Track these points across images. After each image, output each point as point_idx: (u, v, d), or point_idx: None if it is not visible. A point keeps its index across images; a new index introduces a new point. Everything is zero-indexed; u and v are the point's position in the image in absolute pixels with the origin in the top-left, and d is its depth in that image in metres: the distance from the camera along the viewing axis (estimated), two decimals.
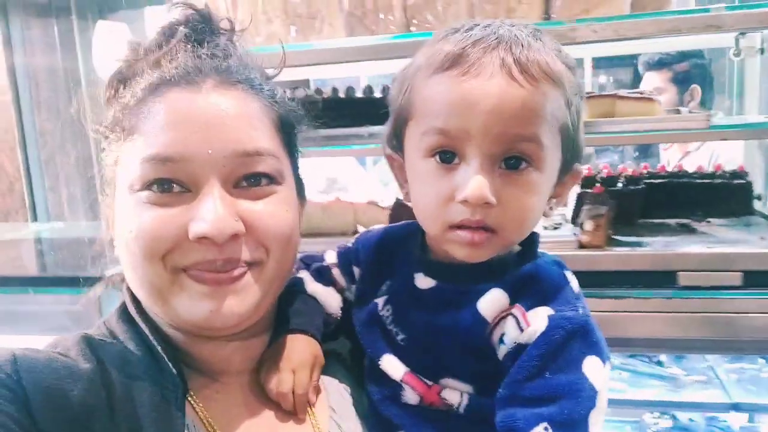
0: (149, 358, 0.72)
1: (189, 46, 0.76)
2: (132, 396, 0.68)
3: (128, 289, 0.78)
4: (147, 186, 0.69)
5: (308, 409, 0.78)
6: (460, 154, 0.68)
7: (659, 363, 1.88)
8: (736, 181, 1.61)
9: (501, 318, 0.69)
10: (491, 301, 0.70)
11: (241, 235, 0.69)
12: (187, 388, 0.72)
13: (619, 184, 1.59)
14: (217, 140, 0.69)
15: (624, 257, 1.30)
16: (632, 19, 1.23)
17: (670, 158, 2.58)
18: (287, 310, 0.82)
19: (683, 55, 2.49)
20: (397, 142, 0.77)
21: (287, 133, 0.78)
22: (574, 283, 0.72)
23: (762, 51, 1.56)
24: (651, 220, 1.56)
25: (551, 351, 0.65)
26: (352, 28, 1.42)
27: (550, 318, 0.66)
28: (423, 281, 0.76)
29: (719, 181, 1.62)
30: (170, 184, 0.69)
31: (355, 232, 1.62)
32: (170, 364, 0.71)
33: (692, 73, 2.35)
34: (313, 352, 0.80)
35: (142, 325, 0.74)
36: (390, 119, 0.78)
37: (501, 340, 0.68)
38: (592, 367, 0.65)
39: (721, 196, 1.60)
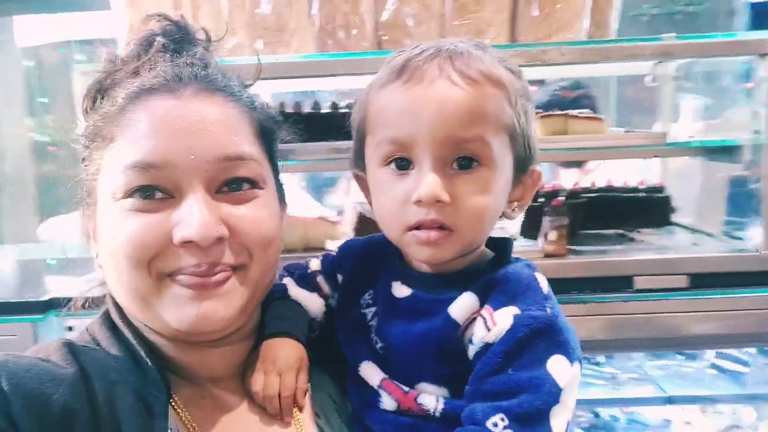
0: (132, 364, 0.73)
1: (167, 56, 0.76)
2: (115, 401, 0.68)
3: (111, 296, 0.78)
4: (130, 193, 0.69)
5: (296, 412, 0.79)
6: (413, 160, 0.71)
7: (597, 363, 2.02)
8: (656, 195, 1.79)
9: (471, 320, 0.71)
10: (462, 305, 0.72)
11: (225, 239, 0.71)
12: (170, 393, 0.72)
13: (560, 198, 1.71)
14: (200, 146, 0.70)
15: (586, 265, 1.40)
16: (597, 45, 1.35)
17: (570, 177, 2.79)
18: (272, 314, 0.83)
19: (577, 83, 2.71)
20: (360, 161, 0.80)
21: (267, 140, 0.80)
22: (543, 284, 0.74)
23: (676, 79, 1.74)
24: (590, 231, 1.69)
25: (515, 348, 0.67)
26: (323, 42, 1.42)
27: (516, 317, 0.68)
28: (399, 290, 0.78)
29: (642, 195, 1.79)
30: (153, 190, 0.69)
31: (306, 248, 1.61)
32: (154, 369, 0.72)
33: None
34: (298, 355, 0.81)
35: (126, 332, 0.75)
36: (353, 140, 0.81)
37: (470, 341, 0.71)
38: (557, 365, 0.67)
39: (645, 209, 1.77)
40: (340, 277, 0.87)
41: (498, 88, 0.70)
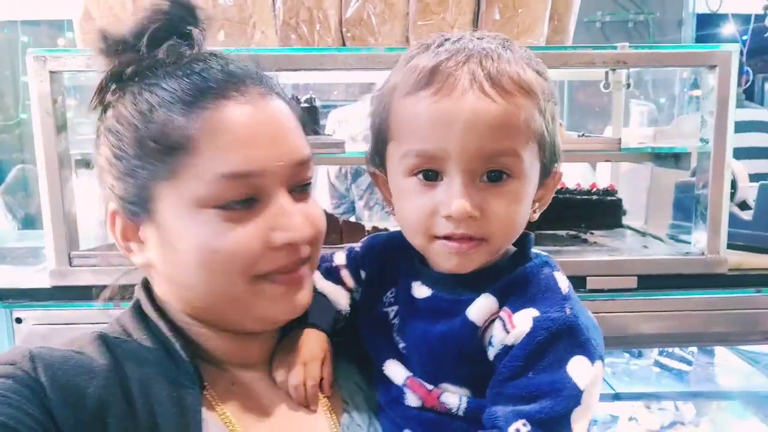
0: (164, 355, 0.73)
1: (198, 49, 0.75)
2: (149, 393, 0.69)
3: (144, 287, 0.79)
4: (224, 203, 0.69)
5: (322, 400, 0.80)
6: (442, 172, 0.70)
7: None
8: (608, 198, 1.85)
9: (490, 321, 0.72)
10: (481, 307, 0.73)
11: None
12: (203, 384, 0.73)
13: None
14: (283, 151, 0.72)
15: None
16: (556, 50, 1.38)
17: None
18: None
19: None
20: (379, 159, 0.79)
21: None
22: (563, 283, 0.74)
23: (628, 85, 1.79)
24: (545, 231, 1.73)
25: (535, 351, 0.67)
26: (287, 36, 1.40)
27: (535, 319, 0.68)
28: (419, 290, 0.78)
29: (595, 197, 1.84)
30: (250, 199, 0.70)
31: None
32: (188, 362, 0.73)
33: None
34: (322, 346, 0.82)
35: (160, 322, 0.75)
36: (371, 138, 0.80)
37: (490, 343, 0.71)
38: (577, 366, 0.67)
39: (598, 211, 1.83)
40: (363, 273, 0.87)
41: (529, 97, 0.69)
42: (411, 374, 0.77)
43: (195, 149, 0.68)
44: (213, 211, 0.69)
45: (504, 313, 0.71)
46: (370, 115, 0.79)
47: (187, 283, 0.73)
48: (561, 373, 0.67)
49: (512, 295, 0.72)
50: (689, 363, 2.02)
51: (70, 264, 1.38)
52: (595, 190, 1.86)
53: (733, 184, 1.55)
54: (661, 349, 2.04)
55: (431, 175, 0.71)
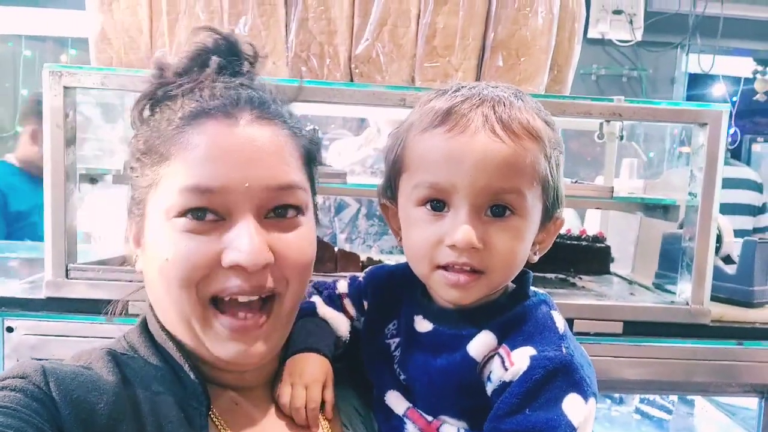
0: (171, 373, 0.74)
1: (223, 77, 0.78)
2: (158, 412, 0.70)
3: (150, 305, 0.80)
4: (183, 213, 0.71)
5: (323, 423, 0.82)
6: (449, 204, 0.75)
7: None
8: (597, 245, 1.89)
9: (489, 358, 0.75)
10: (480, 344, 0.76)
11: (270, 265, 0.73)
12: (209, 405, 0.74)
13: None
14: (254, 175, 0.72)
15: None
16: (555, 99, 1.43)
17: None
18: (300, 330, 0.86)
19: None
20: (391, 192, 0.84)
21: (310, 164, 0.82)
22: (559, 323, 0.77)
23: (621, 137, 1.85)
24: (535, 273, 1.76)
25: (532, 389, 0.70)
26: (297, 69, 1.45)
27: (532, 358, 0.71)
28: (421, 324, 0.81)
29: (585, 243, 1.89)
30: (206, 212, 0.71)
31: None
32: (195, 382, 0.73)
33: None
34: (324, 369, 0.84)
35: (166, 342, 0.76)
36: (385, 171, 0.84)
37: (489, 378, 0.74)
38: (571, 404, 0.70)
39: (587, 257, 1.87)
40: (366, 303, 0.90)
41: (536, 142, 0.74)
42: (411, 405, 0.80)
43: (171, 161, 0.72)
44: (176, 221, 0.71)
45: (503, 350, 0.74)
46: (386, 150, 0.83)
47: (154, 292, 0.76)
48: (556, 410, 0.69)
49: (511, 332, 0.75)
50: (669, 412, 2.04)
51: (67, 276, 1.40)
52: (584, 236, 1.91)
53: (719, 239, 1.60)
54: (642, 396, 2.06)
55: (439, 205, 0.75)
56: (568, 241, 1.87)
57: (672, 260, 1.56)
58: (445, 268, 0.75)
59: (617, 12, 4.17)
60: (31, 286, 1.52)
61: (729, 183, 3.75)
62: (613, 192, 1.46)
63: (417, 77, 1.47)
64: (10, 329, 1.39)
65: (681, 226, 1.53)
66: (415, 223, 0.77)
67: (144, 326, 0.79)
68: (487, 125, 0.72)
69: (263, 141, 0.74)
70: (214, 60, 0.78)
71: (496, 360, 0.73)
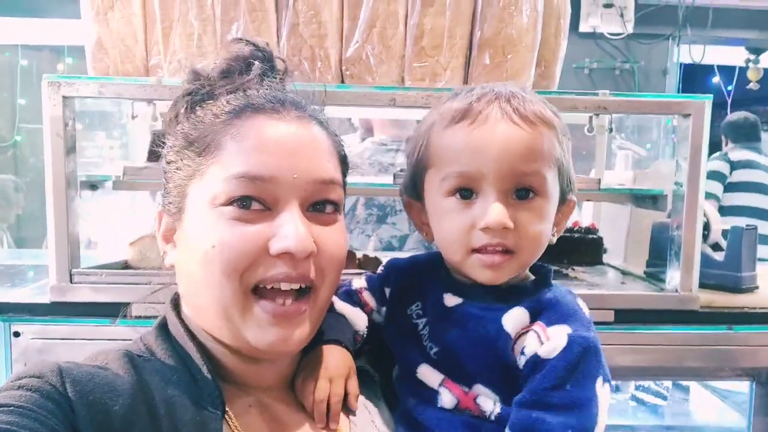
0: (187, 375, 0.75)
1: (267, 80, 0.83)
2: (174, 415, 0.70)
3: (173, 304, 0.82)
4: (229, 202, 0.73)
5: (343, 418, 0.84)
6: (477, 191, 0.81)
7: None
8: (590, 236, 1.93)
9: (522, 333, 0.80)
10: (514, 318, 0.81)
11: (313, 255, 0.75)
12: (225, 407, 0.74)
13: None
14: (302, 167, 0.76)
15: None
16: (541, 95, 1.46)
17: None
18: (321, 324, 0.87)
19: None
20: (414, 189, 0.89)
21: (344, 168, 0.86)
22: (585, 310, 0.85)
23: (611, 130, 1.88)
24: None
25: (572, 365, 0.76)
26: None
27: (569, 335, 0.77)
28: (451, 300, 0.86)
29: (577, 235, 1.92)
30: (252, 201, 0.74)
31: None
32: (212, 385, 0.74)
33: None
34: (347, 362, 0.87)
35: (188, 344, 0.77)
36: (408, 171, 0.90)
37: (522, 352, 0.79)
38: (600, 385, 0.77)
39: (580, 248, 1.90)
40: (387, 291, 0.95)
41: (550, 128, 0.81)
42: (445, 377, 0.84)
43: (222, 151, 0.75)
44: (222, 209, 0.73)
45: (538, 326, 0.79)
46: (408, 151, 0.90)
47: (193, 284, 0.77)
48: (592, 389, 0.76)
49: (544, 312, 0.80)
50: (664, 398, 2.08)
51: (71, 281, 1.43)
52: (577, 228, 1.94)
53: (707, 226, 1.63)
54: (637, 384, 2.10)
55: (467, 193, 0.81)
56: (561, 233, 1.90)
57: (662, 249, 1.59)
58: (479, 251, 0.80)
59: (608, 5, 4.20)
60: (36, 292, 1.55)
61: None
62: (600, 184, 1.50)
63: (406, 77, 1.50)
64: (17, 334, 1.42)
65: (669, 216, 1.56)
66: (446, 214, 0.83)
67: (162, 328, 0.81)
68: (505, 115, 0.79)
69: (309, 137, 0.79)
70: (257, 66, 0.83)
71: (531, 335, 0.78)
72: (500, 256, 0.80)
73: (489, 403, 0.81)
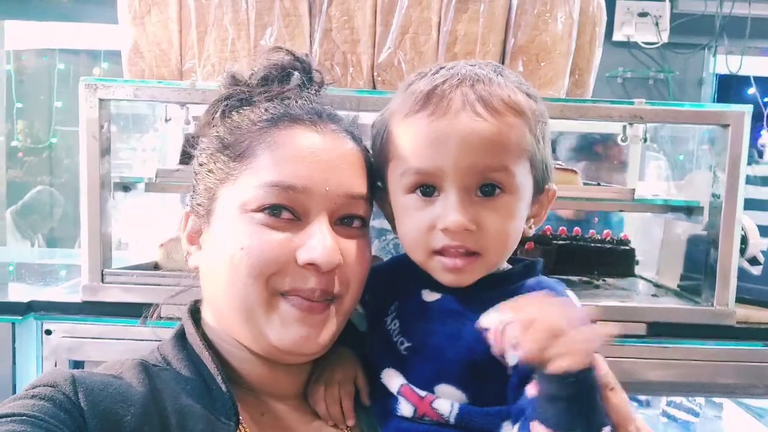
0: (202, 385, 0.74)
1: (305, 92, 0.82)
2: (186, 425, 0.70)
3: (191, 312, 0.82)
4: (261, 209, 0.74)
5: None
6: (438, 187, 0.76)
7: None
8: (622, 248, 1.89)
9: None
10: (494, 313, 0.73)
11: (338, 268, 0.75)
12: (238, 418, 0.73)
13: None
14: (335, 180, 0.76)
15: None
16: (575, 103, 1.45)
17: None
18: None
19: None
20: (381, 181, 0.84)
21: (372, 181, 0.85)
22: (576, 299, 0.78)
23: (645, 140, 1.85)
24: (559, 276, 1.77)
25: None
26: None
27: None
28: (429, 295, 0.82)
29: (609, 246, 1.88)
30: (282, 210, 0.74)
31: None
32: (227, 396, 0.73)
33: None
34: (353, 362, 0.86)
35: (204, 353, 0.76)
36: (373, 161, 0.85)
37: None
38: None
39: (611, 260, 1.86)
40: (366, 296, 0.90)
41: (519, 117, 0.74)
42: (405, 382, 0.79)
43: (256, 159, 0.75)
44: (253, 215, 0.74)
45: None
46: (372, 138, 0.84)
47: (217, 285, 0.77)
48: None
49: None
50: (696, 414, 2.03)
51: (102, 281, 1.45)
52: (609, 238, 1.90)
53: (744, 240, 1.59)
54: (669, 399, 2.05)
55: (428, 190, 0.76)
56: (592, 244, 1.87)
57: (697, 262, 1.56)
58: (441, 252, 0.76)
59: (643, 14, 4.15)
60: (68, 291, 1.58)
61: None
62: (633, 194, 1.47)
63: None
64: (48, 332, 1.45)
65: (705, 228, 1.53)
66: (406, 211, 0.79)
67: (179, 337, 0.81)
68: (467, 105, 0.72)
69: (344, 151, 0.79)
70: (297, 76, 0.83)
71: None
72: (463, 258, 0.75)
73: (446, 405, 0.76)
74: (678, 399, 2.05)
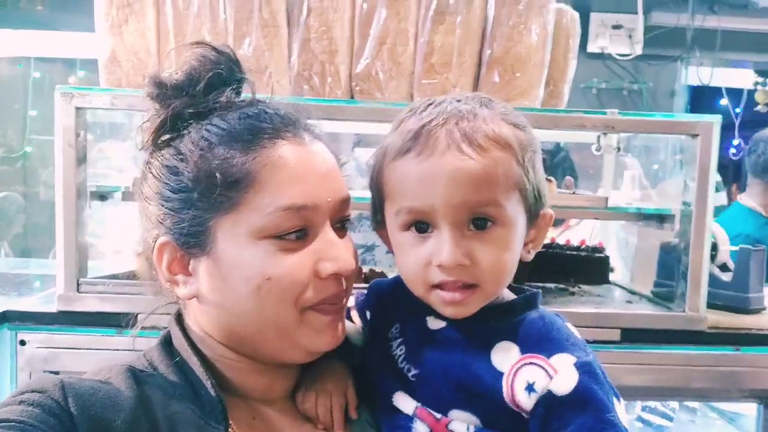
0: (190, 390, 0.74)
1: (253, 100, 0.82)
2: (176, 430, 0.70)
3: (177, 321, 0.82)
4: (280, 233, 0.74)
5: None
6: (432, 224, 0.77)
7: None
8: (596, 255, 1.92)
9: (519, 368, 0.74)
10: (503, 354, 0.77)
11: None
12: (228, 423, 0.73)
13: None
14: (332, 189, 0.78)
15: None
16: (549, 113, 1.47)
17: None
18: None
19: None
20: (380, 217, 0.85)
21: None
22: (576, 332, 0.80)
23: (618, 149, 1.89)
24: (535, 284, 1.79)
25: (589, 393, 0.71)
26: (299, 87, 1.50)
27: (576, 365, 0.73)
28: (434, 323, 0.83)
29: (584, 254, 1.91)
30: (301, 231, 0.76)
31: None
32: (216, 400, 0.73)
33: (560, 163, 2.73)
34: (343, 373, 0.87)
35: (192, 358, 0.76)
36: (371, 199, 0.87)
37: (531, 389, 0.73)
38: (617, 403, 0.74)
39: (586, 267, 1.89)
40: (368, 314, 0.93)
41: (505, 150, 0.75)
42: (420, 404, 0.80)
43: (257, 183, 0.73)
44: (270, 242, 0.74)
45: (538, 359, 0.74)
46: (369, 176, 0.85)
47: (239, 312, 0.76)
48: (613, 407, 0.72)
49: (536, 341, 0.76)
50: (670, 419, 2.06)
51: (78, 290, 1.44)
52: (584, 246, 1.93)
53: (715, 247, 1.63)
54: (644, 404, 2.08)
55: (423, 227, 0.78)
56: (568, 252, 1.90)
57: (670, 269, 1.59)
58: (439, 287, 0.78)
59: (616, 27, 4.23)
60: (43, 301, 1.56)
61: None
62: (607, 202, 1.50)
63: (416, 94, 1.51)
64: (23, 342, 1.43)
65: (677, 236, 1.56)
66: (403, 248, 0.80)
67: (165, 343, 0.80)
68: (452, 144, 0.74)
69: (327, 157, 0.80)
70: (238, 78, 0.81)
71: (534, 369, 0.74)
72: (461, 292, 0.77)
73: (462, 427, 0.77)
74: (653, 404, 2.08)
